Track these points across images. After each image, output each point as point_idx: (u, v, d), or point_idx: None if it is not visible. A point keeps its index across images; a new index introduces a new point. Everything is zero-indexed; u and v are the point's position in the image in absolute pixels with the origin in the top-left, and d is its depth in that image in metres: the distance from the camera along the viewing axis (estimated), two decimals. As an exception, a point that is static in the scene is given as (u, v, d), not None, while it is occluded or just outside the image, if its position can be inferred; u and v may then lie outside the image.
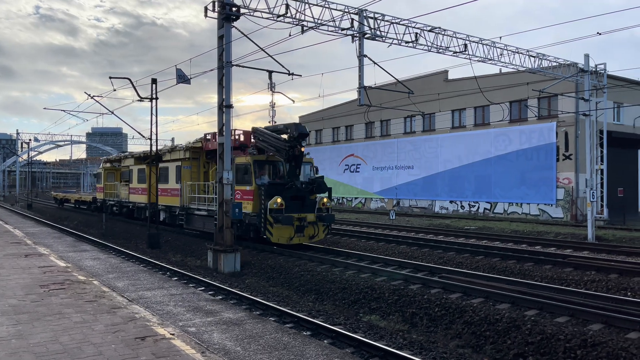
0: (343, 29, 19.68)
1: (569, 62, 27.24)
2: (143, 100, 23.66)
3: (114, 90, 24.87)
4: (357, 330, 10.04)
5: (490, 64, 24.28)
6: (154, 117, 23.14)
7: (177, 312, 9.86)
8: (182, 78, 18.92)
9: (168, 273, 15.87)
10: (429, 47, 22.30)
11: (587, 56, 26.46)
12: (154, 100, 23.05)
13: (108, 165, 38.29)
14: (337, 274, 14.20)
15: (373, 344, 8.75)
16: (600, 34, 22.35)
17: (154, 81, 22.87)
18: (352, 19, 19.93)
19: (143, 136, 29.84)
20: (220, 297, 12.44)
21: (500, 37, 24.25)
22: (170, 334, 7.66)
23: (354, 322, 10.70)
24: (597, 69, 26.45)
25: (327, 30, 19.28)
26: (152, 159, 24.19)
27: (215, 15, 16.35)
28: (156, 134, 23.35)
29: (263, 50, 17.10)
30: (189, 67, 51.08)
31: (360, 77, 21.53)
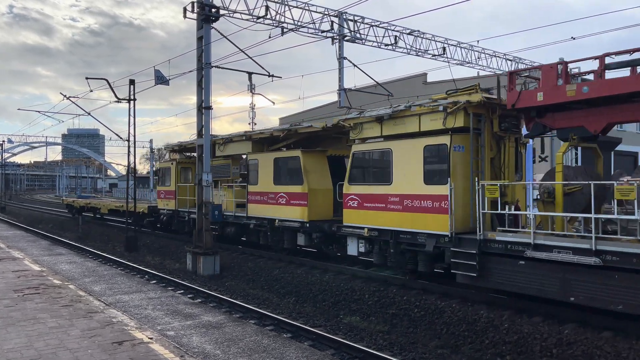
0: (323, 31, 19.80)
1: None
2: (120, 102, 23.34)
3: (91, 91, 24.47)
4: (337, 332, 10.05)
5: (468, 67, 24.86)
6: (132, 119, 22.85)
7: (155, 316, 9.74)
8: (160, 79, 18.74)
9: (146, 276, 15.66)
10: (408, 50, 22.60)
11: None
12: (132, 102, 22.74)
13: (183, 156, 24.05)
14: (317, 276, 14.22)
15: (353, 345, 8.78)
16: (574, 39, 22.84)
17: (131, 82, 22.56)
18: (332, 21, 20.08)
19: (121, 138, 29.43)
20: (200, 300, 12.33)
21: (478, 41, 24.71)
22: (149, 338, 7.57)
23: (335, 324, 10.72)
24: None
25: (307, 32, 19.35)
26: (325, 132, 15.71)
27: (195, 16, 16.23)
28: (134, 136, 23.04)
29: (243, 51, 17.04)
30: (167, 68, 50.51)
31: (340, 79, 21.71)
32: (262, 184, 16.85)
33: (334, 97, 24.95)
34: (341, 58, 20.72)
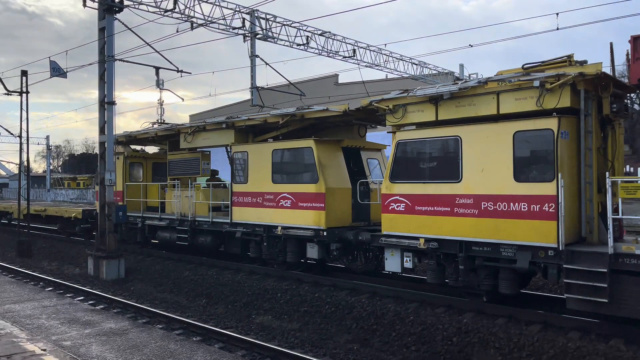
0: (234, 28, 19.47)
1: (446, 71, 29.45)
2: (11, 94, 21.45)
3: (-24, 82, 22.23)
4: (249, 332, 9.93)
5: (377, 69, 25.57)
6: (24, 113, 21.08)
7: (50, 326, 9.03)
8: (57, 71, 17.44)
9: (41, 283, 14.50)
10: (320, 51, 22.82)
11: (461, 66, 28.86)
12: (24, 95, 20.98)
13: (137, 149, 20.60)
14: (229, 276, 13.94)
15: (265, 345, 8.71)
16: (472, 46, 24.51)
17: (24, 73, 20.80)
18: (244, 19, 19.78)
19: (11, 134, 27.09)
20: (102, 306, 11.62)
21: (385, 45, 25.43)
22: (42, 349, 6.99)
23: (247, 324, 10.57)
24: (470, 77, 28.96)
25: (218, 29, 18.94)
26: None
27: (96, 5, 15.28)
28: (27, 132, 21.29)
29: (149, 45, 16.31)
30: (65, 59, 47.13)
31: (253, 77, 21.41)
32: (255, 183, 13.79)
33: (247, 95, 24.61)
34: (253, 56, 20.52)
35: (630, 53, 8.90)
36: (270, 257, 13.81)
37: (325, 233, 12.21)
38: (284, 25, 20.99)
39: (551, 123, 8.62)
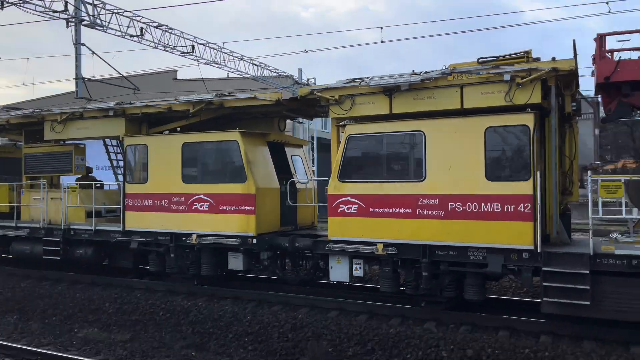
0: (55, 11, 17.30)
1: (286, 74, 30.53)
2: None
3: None
4: (69, 348, 9.23)
5: (218, 67, 25.01)
6: None
7: None
8: None
9: None
10: (156, 44, 21.48)
11: (300, 70, 30.42)
12: None
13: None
14: (48, 288, 12.57)
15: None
16: (307, 52, 25.79)
17: None
18: (67, 2, 17.58)
19: None
20: None
21: (224, 43, 25.53)
22: None
23: (68, 340, 9.79)
24: (309, 82, 29.76)
25: (35, 10, 16.80)
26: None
27: None
28: None
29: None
30: None
31: (78, 67, 19.51)
32: (158, 182, 11.62)
33: (72, 87, 22.14)
34: (78, 44, 18.78)
35: (596, 51, 8.68)
36: (179, 270, 11.66)
37: (255, 240, 10.52)
38: (115, 13, 19.34)
39: (527, 119, 8.23)
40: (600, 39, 8.73)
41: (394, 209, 9.16)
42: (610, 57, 8.59)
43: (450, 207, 8.70)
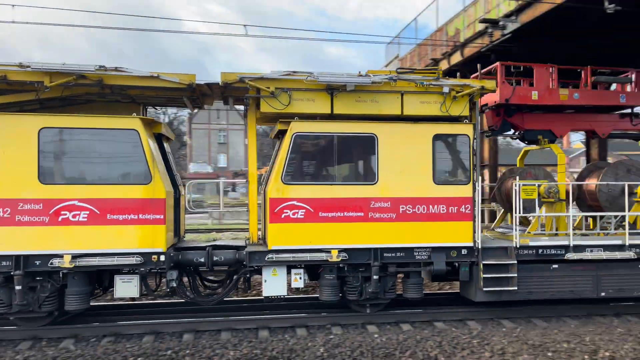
0: None
1: None
2: None
3: None
4: None
5: None
6: None
7: None
8: None
9: None
10: None
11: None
12: None
13: None
14: None
15: None
16: None
17: None
18: None
19: None
20: None
21: None
22: None
23: None
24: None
25: None
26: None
27: None
28: None
29: None
30: None
31: None
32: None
33: None
34: None
35: (498, 77, 10.56)
36: (29, 307, 8.23)
37: (162, 257, 8.36)
38: None
39: (468, 129, 9.24)
40: (501, 66, 10.58)
41: (345, 213, 8.80)
42: (507, 83, 10.57)
43: (401, 209, 8.96)
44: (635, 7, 11.72)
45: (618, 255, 9.47)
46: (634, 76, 11.63)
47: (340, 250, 8.76)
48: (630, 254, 9.51)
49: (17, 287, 7.97)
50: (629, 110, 11.72)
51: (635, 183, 10.40)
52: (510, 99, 10.41)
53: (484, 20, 15.27)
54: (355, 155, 9.34)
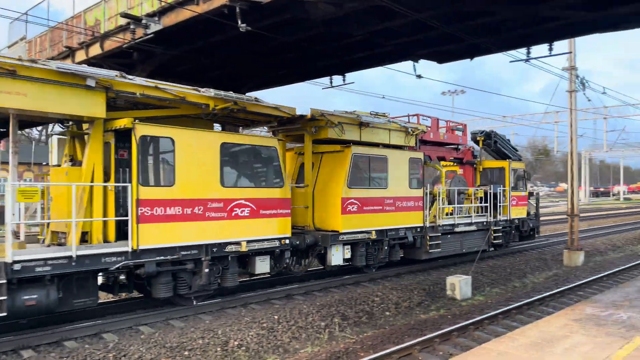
0: None
1: None
2: None
3: None
4: None
5: None
6: None
7: None
8: None
9: None
10: None
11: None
12: None
13: None
14: None
15: None
16: None
17: None
18: None
19: None
20: None
21: None
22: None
23: None
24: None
25: None
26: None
27: None
28: None
29: None
30: None
31: None
32: (189, 186, 9.87)
33: None
34: None
35: (432, 127, 17.04)
36: (207, 287, 10.50)
37: (287, 241, 11.74)
38: None
39: (421, 155, 15.66)
40: (437, 121, 17.27)
41: (374, 207, 13.96)
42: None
43: (397, 204, 14.53)
44: (265, 29, 12.80)
45: (469, 228, 17.46)
46: (463, 126, 20.08)
47: (371, 232, 13.73)
48: (473, 227, 17.56)
49: (205, 270, 10.17)
50: (454, 146, 19.96)
51: (462, 188, 18.34)
52: (423, 137, 17.36)
53: (125, 15, 13.86)
54: (378, 170, 14.09)
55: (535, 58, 13.90)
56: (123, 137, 9.74)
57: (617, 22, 12.28)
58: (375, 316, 11.31)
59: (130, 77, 9.34)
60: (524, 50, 13.97)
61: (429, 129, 17.68)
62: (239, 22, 11.52)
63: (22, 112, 8.62)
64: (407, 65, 23.95)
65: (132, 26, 13.82)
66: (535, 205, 21.27)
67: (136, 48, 14.59)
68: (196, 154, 9.94)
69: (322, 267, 14.52)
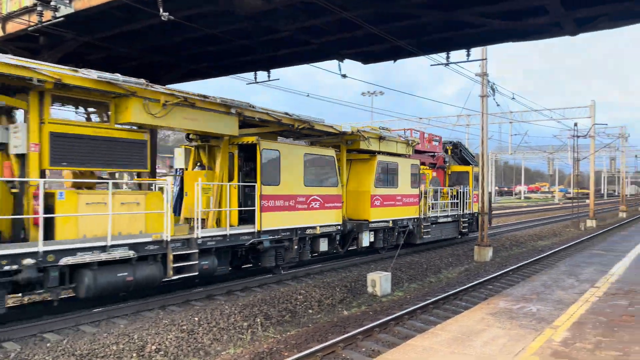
0: None
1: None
2: None
3: None
4: None
5: None
6: None
7: None
8: None
9: None
10: None
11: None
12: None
13: None
14: None
15: None
16: None
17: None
18: None
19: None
20: None
21: None
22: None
23: None
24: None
25: None
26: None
27: None
28: None
29: None
30: None
31: None
32: (287, 185, 13.72)
33: None
34: None
35: (420, 139, 20.93)
36: (292, 260, 14.30)
37: (340, 227, 15.75)
38: None
39: (418, 161, 20.22)
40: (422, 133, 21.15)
41: (390, 202, 18.07)
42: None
43: (404, 200, 18.80)
44: (188, 20, 12.41)
45: (447, 219, 21.83)
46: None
47: (391, 221, 18.10)
48: (449, 219, 22.19)
49: (295, 247, 13.93)
50: (431, 153, 24.08)
51: (440, 187, 22.57)
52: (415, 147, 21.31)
53: (32, -5, 12.71)
54: (391, 173, 18.16)
55: (454, 63, 14.47)
56: (245, 149, 13.32)
57: (529, 33, 13.10)
58: (299, 314, 11.24)
59: (253, 106, 12.49)
60: (444, 54, 14.54)
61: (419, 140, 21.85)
62: (161, 10, 10.95)
63: (194, 131, 12.18)
64: (330, 64, 24.34)
65: (39, 8, 12.68)
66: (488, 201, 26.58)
67: (44, 32, 13.61)
68: (291, 162, 13.62)
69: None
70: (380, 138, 17.36)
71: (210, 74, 19.23)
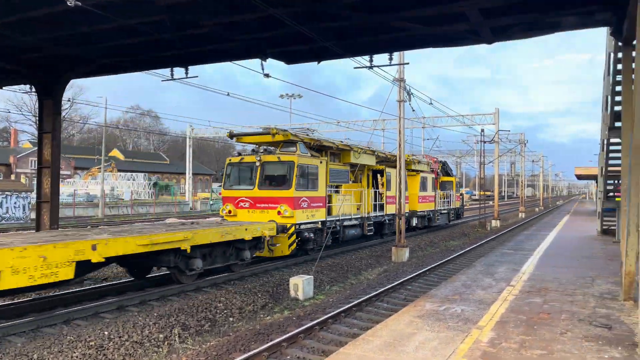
0: None
1: None
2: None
3: None
4: None
5: None
6: None
7: None
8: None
9: None
10: None
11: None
12: None
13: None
14: None
15: None
16: None
17: None
18: None
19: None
20: None
21: None
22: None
23: None
24: None
25: None
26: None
27: None
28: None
29: None
30: None
31: None
32: (392, 190, 24.26)
33: None
34: None
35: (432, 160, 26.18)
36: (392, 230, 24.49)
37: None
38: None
39: (434, 175, 32.13)
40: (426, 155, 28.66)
41: (424, 200, 29.69)
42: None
43: (428, 198, 30.47)
44: (99, 8, 10.77)
45: (445, 212, 34.11)
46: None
47: (426, 211, 29.90)
48: (446, 212, 34.37)
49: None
50: (433, 168, 33.11)
51: (440, 191, 32.36)
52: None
53: None
54: (424, 183, 29.20)
55: (377, 66, 14.47)
56: (374, 171, 24.23)
57: (450, 39, 13.40)
58: (219, 323, 10.72)
59: (384, 152, 25.17)
60: (367, 57, 14.50)
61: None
62: (68, -4, 9.74)
63: (361, 163, 22.22)
64: (252, 63, 23.88)
65: None
66: (461, 200, 39.27)
67: None
68: (393, 178, 24.06)
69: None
70: (419, 162, 29.11)
71: (126, 68, 17.82)
